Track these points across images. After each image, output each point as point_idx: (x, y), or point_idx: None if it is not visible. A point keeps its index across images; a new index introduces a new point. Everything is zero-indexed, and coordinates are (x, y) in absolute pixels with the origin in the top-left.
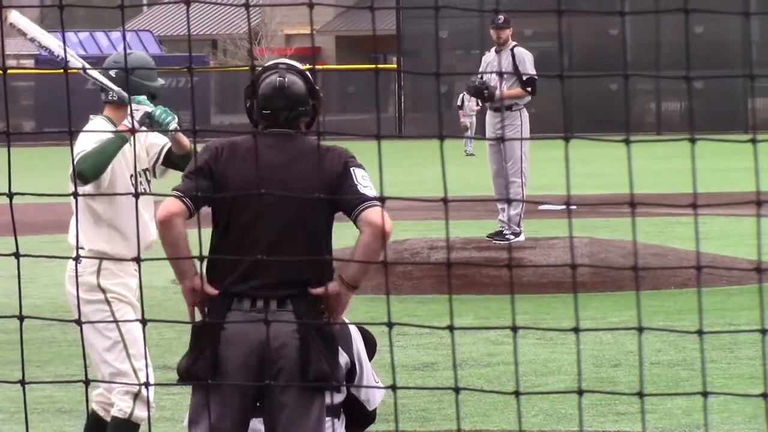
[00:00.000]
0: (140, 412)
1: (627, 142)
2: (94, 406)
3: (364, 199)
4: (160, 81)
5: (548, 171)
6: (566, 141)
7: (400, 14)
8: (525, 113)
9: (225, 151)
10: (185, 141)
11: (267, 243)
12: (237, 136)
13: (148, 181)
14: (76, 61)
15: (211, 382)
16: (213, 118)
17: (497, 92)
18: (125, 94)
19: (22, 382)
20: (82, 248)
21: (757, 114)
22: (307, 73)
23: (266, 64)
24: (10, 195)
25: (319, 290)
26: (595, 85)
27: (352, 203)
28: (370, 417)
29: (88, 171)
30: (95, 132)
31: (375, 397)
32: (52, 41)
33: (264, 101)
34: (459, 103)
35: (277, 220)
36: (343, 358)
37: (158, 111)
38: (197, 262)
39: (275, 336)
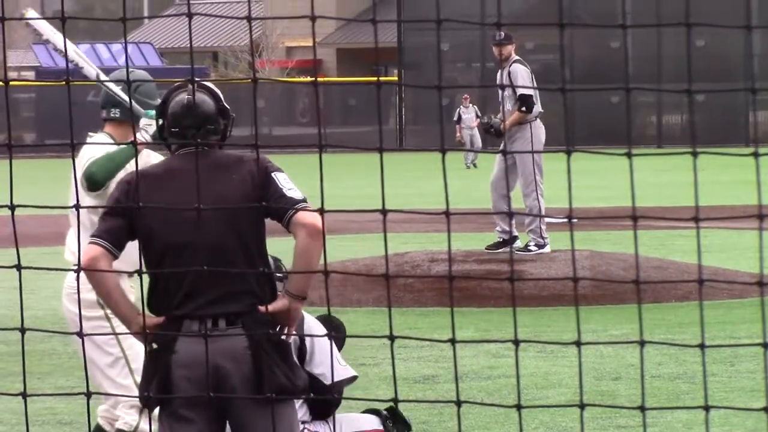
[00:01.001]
0: (145, 426)
1: (629, 155)
2: (99, 420)
3: (292, 202)
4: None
5: (550, 183)
6: (568, 154)
7: (401, 27)
8: (537, 126)
9: (138, 183)
10: None
11: (204, 261)
12: (146, 166)
13: None
14: (90, 68)
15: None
16: None
17: (502, 126)
18: (140, 109)
19: (24, 395)
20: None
21: (758, 127)
22: (217, 91)
23: (177, 83)
24: (12, 207)
25: (265, 308)
26: (596, 98)
27: (281, 209)
28: (334, 400)
29: (99, 174)
30: (99, 144)
31: (332, 374)
32: (69, 45)
33: (173, 120)
34: (456, 117)
35: (210, 236)
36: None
37: None
38: (137, 304)
39: (227, 354)
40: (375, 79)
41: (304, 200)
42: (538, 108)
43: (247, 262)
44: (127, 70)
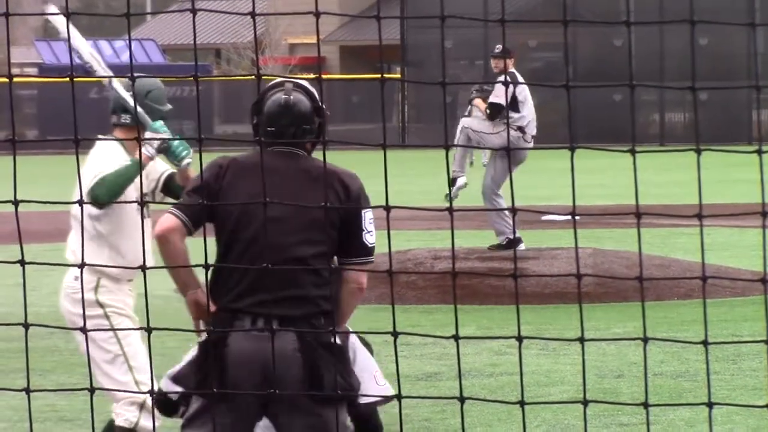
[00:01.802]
0: (146, 422)
1: (633, 152)
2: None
3: (363, 252)
4: (169, 105)
5: (552, 182)
6: (572, 151)
7: (404, 25)
8: (512, 136)
9: (228, 169)
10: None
11: (270, 260)
12: (241, 153)
13: (147, 206)
14: (102, 71)
15: (216, 392)
16: (216, 128)
17: (475, 101)
18: (148, 119)
19: (27, 390)
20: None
21: (762, 126)
22: (313, 90)
23: (273, 82)
24: (16, 202)
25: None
26: (598, 96)
27: (351, 248)
28: (373, 425)
29: (104, 197)
30: (105, 151)
31: (367, 391)
32: (84, 46)
33: (269, 119)
34: (467, 113)
35: (281, 237)
36: None
37: (176, 143)
38: (201, 277)
39: (278, 355)
40: (379, 76)
41: (372, 251)
42: (523, 120)
43: (312, 273)
44: (131, 69)
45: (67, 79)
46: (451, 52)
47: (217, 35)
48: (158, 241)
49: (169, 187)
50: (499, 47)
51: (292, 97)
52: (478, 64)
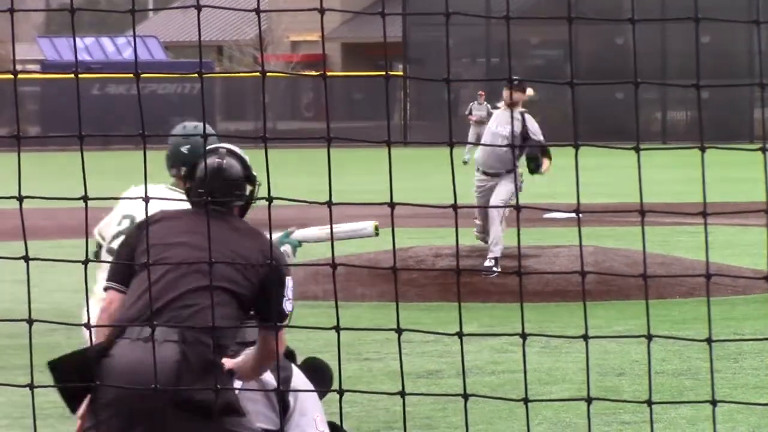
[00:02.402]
0: None
1: (637, 150)
2: None
3: (278, 317)
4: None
5: (553, 180)
6: (576, 149)
7: (406, 22)
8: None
9: (153, 218)
10: None
11: (168, 298)
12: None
13: None
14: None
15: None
16: (218, 125)
17: (543, 167)
18: (297, 243)
19: (31, 386)
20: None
21: (766, 124)
22: (246, 157)
23: (208, 147)
24: (20, 198)
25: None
26: (600, 95)
27: (269, 311)
28: None
29: None
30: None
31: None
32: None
33: (201, 182)
34: (467, 111)
35: (187, 280)
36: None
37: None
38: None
39: (158, 365)
40: (383, 72)
41: (289, 317)
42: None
43: (221, 307)
44: (136, 65)
45: (71, 75)
46: (452, 49)
47: (219, 32)
48: (104, 321)
49: None
50: (517, 79)
51: (224, 161)
52: (479, 61)
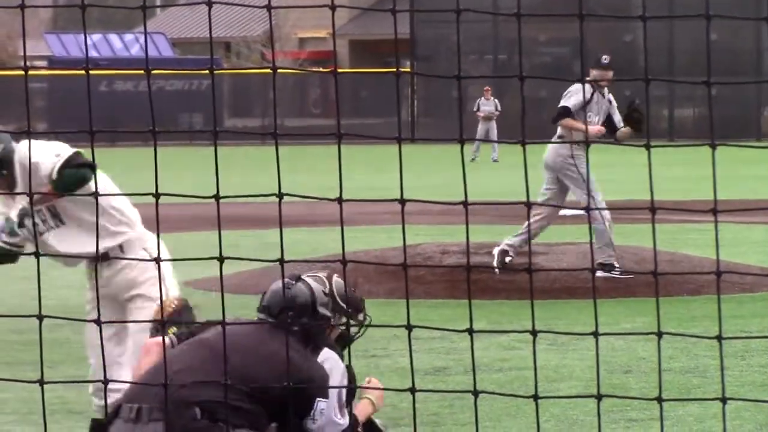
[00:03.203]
0: None
1: (647, 147)
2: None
3: None
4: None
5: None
6: (587, 145)
7: (414, 19)
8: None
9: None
10: None
11: (181, 373)
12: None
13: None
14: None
15: None
16: (226, 121)
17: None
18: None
19: (41, 382)
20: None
21: None
22: (321, 292)
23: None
24: (31, 195)
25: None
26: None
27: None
28: None
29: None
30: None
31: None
32: None
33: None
34: (475, 108)
35: (197, 375)
36: None
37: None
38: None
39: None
40: (394, 69)
41: None
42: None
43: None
44: (146, 61)
45: (81, 71)
46: (460, 46)
47: (227, 29)
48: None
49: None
50: (606, 58)
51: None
52: (486, 58)
